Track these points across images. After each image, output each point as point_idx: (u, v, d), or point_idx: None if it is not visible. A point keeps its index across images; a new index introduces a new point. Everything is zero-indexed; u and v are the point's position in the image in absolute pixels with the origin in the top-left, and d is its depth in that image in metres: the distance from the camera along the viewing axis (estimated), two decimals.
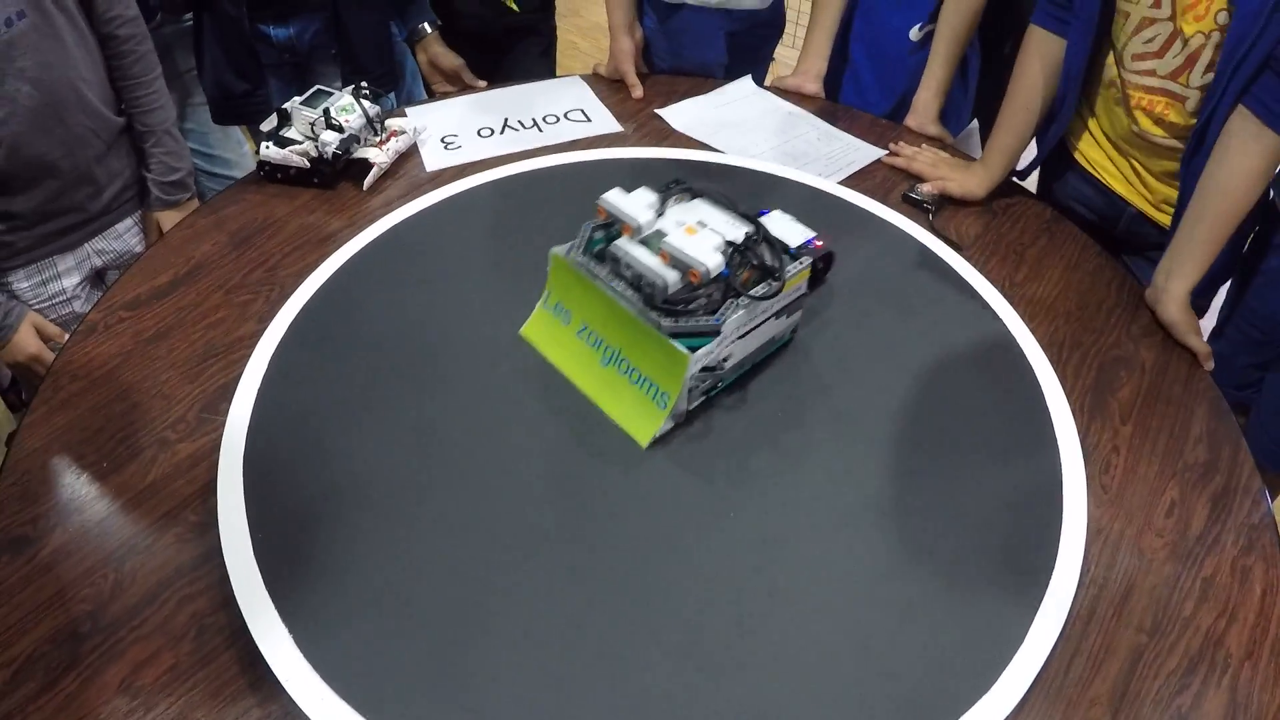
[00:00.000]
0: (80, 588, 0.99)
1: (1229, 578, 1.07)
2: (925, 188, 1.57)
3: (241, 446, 1.08)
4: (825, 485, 1.10)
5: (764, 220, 1.20)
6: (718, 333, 1.08)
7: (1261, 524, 1.13)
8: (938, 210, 1.56)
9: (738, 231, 1.14)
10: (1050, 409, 1.20)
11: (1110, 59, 1.46)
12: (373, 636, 0.92)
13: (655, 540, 1.03)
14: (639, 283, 1.11)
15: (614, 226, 1.17)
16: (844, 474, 1.11)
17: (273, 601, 0.94)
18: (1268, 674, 0.99)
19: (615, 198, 1.17)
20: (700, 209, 1.18)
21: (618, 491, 1.08)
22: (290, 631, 0.92)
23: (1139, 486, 1.16)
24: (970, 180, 1.58)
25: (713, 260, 1.07)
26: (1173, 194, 1.48)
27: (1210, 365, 1.31)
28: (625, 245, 1.12)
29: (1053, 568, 1.02)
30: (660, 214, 1.17)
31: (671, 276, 1.08)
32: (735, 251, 1.11)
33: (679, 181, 1.22)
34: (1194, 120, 1.37)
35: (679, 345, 1.05)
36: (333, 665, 0.89)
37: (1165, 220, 1.52)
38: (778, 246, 1.16)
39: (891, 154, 1.68)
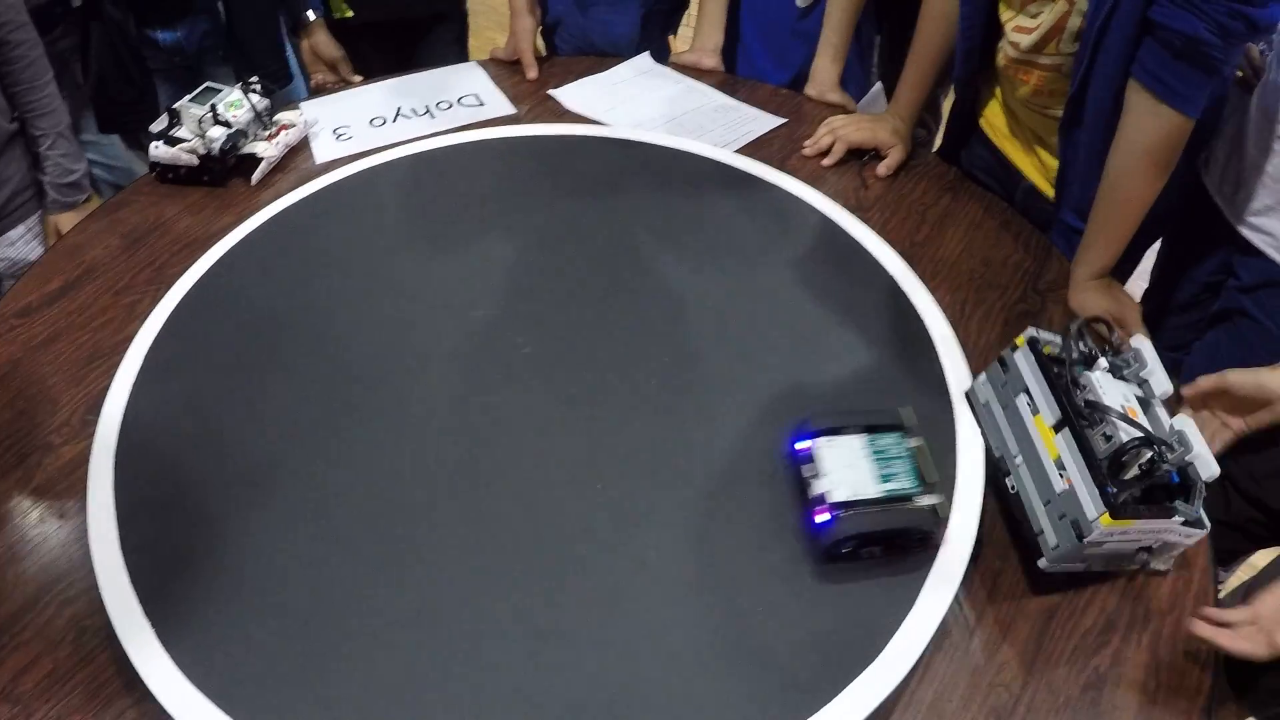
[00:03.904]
0: None
1: None
2: (882, 170, 1.56)
3: (113, 446, 1.07)
4: (709, 450, 1.09)
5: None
6: None
7: None
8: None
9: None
10: (946, 373, 1.19)
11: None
12: (237, 635, 0.92)
13: (521, 518, 1.02)
14: None
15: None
16: (721, 443, 1.10)
17: (140, 604, 0.93)
18: None
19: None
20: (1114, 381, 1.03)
21: (481, 470, 1.07)
22: (157, 633, 0.91)
23: None
24: (900, 141, 1.59)
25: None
26: None
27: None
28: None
29: (945, 529, 1.00)
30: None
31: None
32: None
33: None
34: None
35: None
36: (198, 665, 0.89)
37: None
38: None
39: (809, 148, 1.62)
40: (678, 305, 1.28)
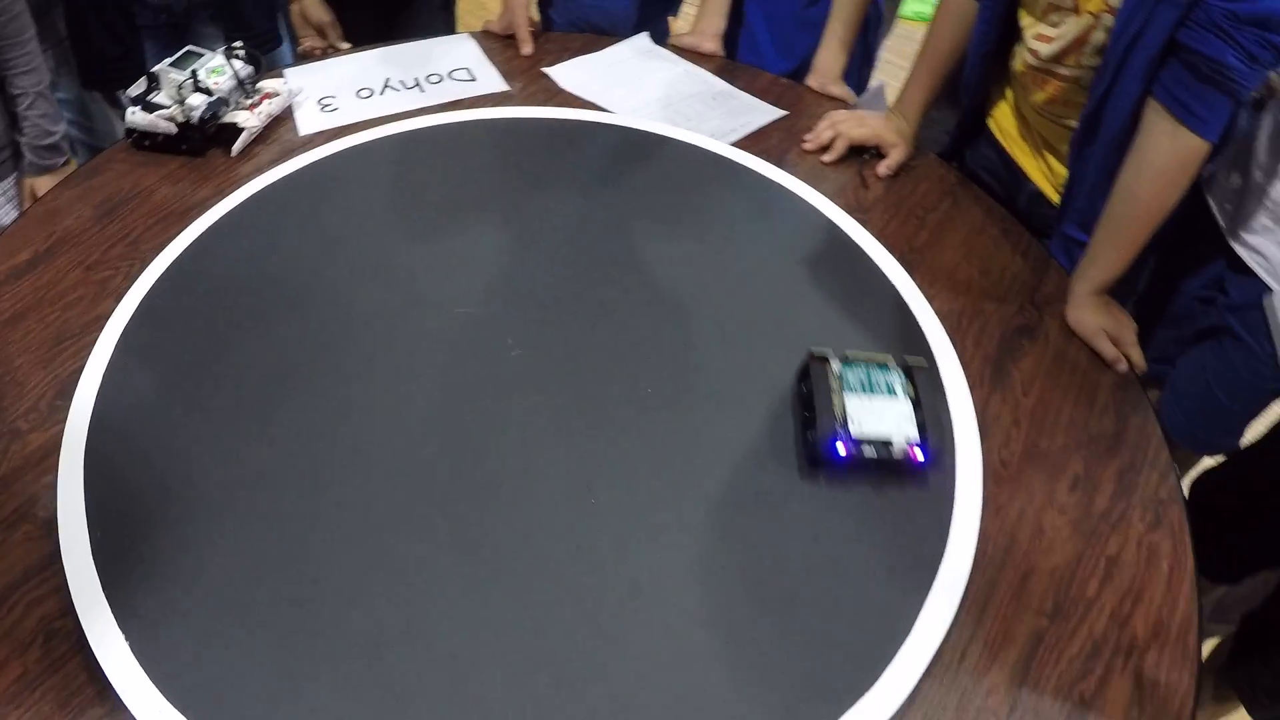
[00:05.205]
0: None
1: (1135, 555, 1.04)
2: (882, 170, 1.52)
3: (83, 439, 1.02)
4: (700, 468, 1.05)
5: None
6: None
7: (1170, 499, 1.10)
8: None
9: None
10: (946, 386, 1.17)
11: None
12: (210, 642, 0.88)
13: (507, 534, 0.98)
14: None
15: None
16: (721, 457, 1.07)
17: (110, 607, 0.90)
18: (1174, 655, 0.96)
19: None
20: None
21: (465, 482, 1.03)
22: (127, 639, 0.87)
23: (1040, 461, 1.13)
24: (903, 141, 1.55)
25: None
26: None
27: (1121, 367, 1.25)
28: None
29: (943, 552, 0.99)
30: None
31: None
32: None
33: None
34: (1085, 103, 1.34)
35: None
36: (169, 674, 0.86)
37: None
38: None
39: (809, 143, 1.58)
40: (672, 308, 1.25)
